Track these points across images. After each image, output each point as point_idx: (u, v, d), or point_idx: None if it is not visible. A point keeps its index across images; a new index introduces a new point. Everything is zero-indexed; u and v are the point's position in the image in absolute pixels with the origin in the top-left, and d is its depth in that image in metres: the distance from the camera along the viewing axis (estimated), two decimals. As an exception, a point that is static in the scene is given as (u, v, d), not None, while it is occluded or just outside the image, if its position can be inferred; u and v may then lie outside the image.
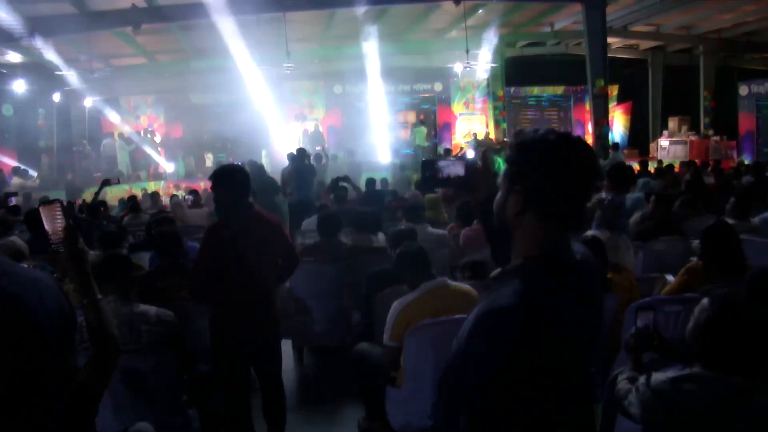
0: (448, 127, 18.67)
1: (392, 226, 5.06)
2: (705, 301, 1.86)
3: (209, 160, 17.28)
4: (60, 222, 1.62)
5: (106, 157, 17.04)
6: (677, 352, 2.24)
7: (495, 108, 17.85)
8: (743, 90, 17.63)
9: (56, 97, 16.62)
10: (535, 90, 20.06)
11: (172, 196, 11.03)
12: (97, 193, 7.71)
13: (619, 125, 19.87)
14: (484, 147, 14.26)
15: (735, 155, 16.79)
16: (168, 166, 17.31)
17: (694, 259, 3.32)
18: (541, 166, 1.21)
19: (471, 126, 18.11)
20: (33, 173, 15.29)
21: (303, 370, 4.68)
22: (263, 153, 16.70)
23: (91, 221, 6.62)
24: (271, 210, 6.73)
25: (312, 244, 4.90)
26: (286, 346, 4.41)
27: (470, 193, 1.52)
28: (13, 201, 9.03)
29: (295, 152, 9.90)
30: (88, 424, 1.47)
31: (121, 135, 17.29)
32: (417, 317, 2.93)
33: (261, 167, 8.99)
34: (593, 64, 13.13)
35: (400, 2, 13.31)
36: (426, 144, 17.63)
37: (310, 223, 6.57)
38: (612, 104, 18.15)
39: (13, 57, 15.08)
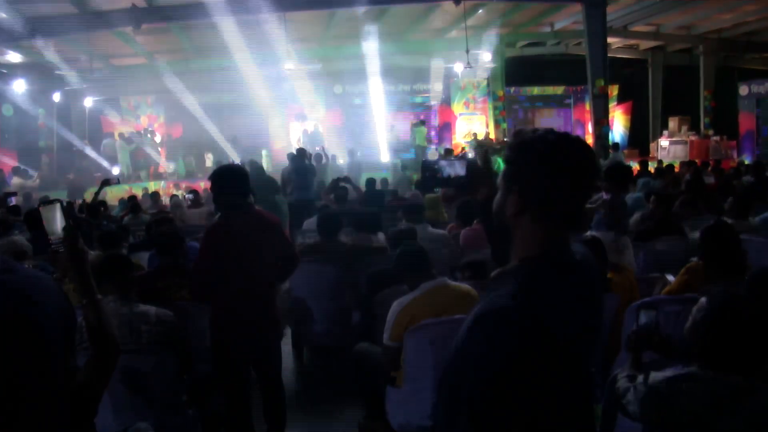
0: (448, 127, 18.67)
1: (392, 226, 5.06)
2: (703, 299, 1.86)
3: (209, 160, 17.28)
4: (60, 222, 1.62)
5: (106, 157, 17.06)
6: (678, 352, 2.24)
7: (495, 108, 17.86)
8: (743, 90, 17.64)
9: (56, 97, 16.63)
10: (535, 90, 20.07)
11: (172, 196, 11.02)
12: (97, 193, 7.72)
13: (619, 125, 19.86)
14: (484, 147, 14.26)
15: (735, 155, 16.79)
16: (168, 166, 17.32)
17: (695, 259, 3.31)
18: (540, 167, 1.21)
19: (471, 126, 18.10)
20: (33, 173, 15.30)
21: (303, 370, 4.68)
22: (263, 153, 16.71)
23: (91, 221, 6.62)
24: (271, 210, 6.73)
25: (312, 243, 4.89)
26: (286, 346, 4.41)
27: (470, 193, 1.52)
28: (13, 201, 9.02)
29: (295, 152, 9.91)
30: (88, 424, 1.47)
31: (121, 135, 17.30)
32: (417, 317, 2.93)
33: (261, 167, 9.00)
34: (593, 64, 13.13)
35: (400, 2, 13.32)
36: (426, 144, 17.63)
37: (310, 223, 6.56)
38: (612, 104, 18.14)
39: (13, 57, 15.09)
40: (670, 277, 3.56)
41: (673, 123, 17.43)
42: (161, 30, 13.78)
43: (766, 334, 1.74)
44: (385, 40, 14.60)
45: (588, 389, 1.39)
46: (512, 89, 18.98)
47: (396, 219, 5.81)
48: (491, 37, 15.56)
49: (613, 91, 18.76)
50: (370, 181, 8.90)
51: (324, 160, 12.29)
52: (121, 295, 2.85)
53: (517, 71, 18.03)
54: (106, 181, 7.84)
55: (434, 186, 1.56)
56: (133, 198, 9.41)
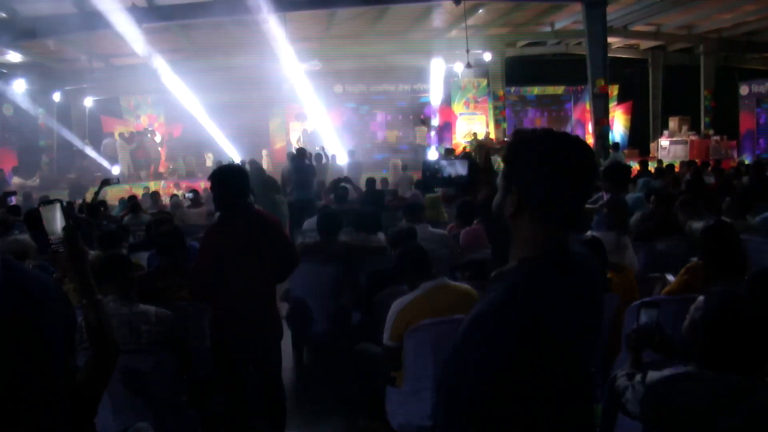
0: (448, 127, 18.66)
1: (392, 226, 5.06)
2: (701, 298, 1.85)
3: (209, 160, 17.29)
4: (60, 222, 1.62)
5: (106, 156, 17.07)
6: (678, 351, 2.24)
7: (495, 108, 17.84)
8: (744, 90, 17.64)
9: (56, 96, 16.63)
10: (535, 90, 20.06)
11: (172, 196, 11.02)
12: (97, 193, 7.71)
13: (619, 125, 19.86)
14: (485, 147, 14.26)
15: (735, 155, 16.79)
16: (168, 166, 17.33)
17: (695, 259, 3.32)
18: (539, 167, 1.21)
19: (471, 126, 18.10)
20: (33, 173, 15.30)
21: (303, 370, 4.68)
22: (263, 153, 16.71)
23: (91, 221, 6.62)
24: (271, 210, 6.75)
25: (312, 243, 4.89)
26: (286, 346, 4.41)
27: (471, 193, 1.52)
28: (13, 201, 9.02)
29: (295, 152, 9.91)
30: (88, 424, 1.47)
31: (121, 135, 17.30)
32: (417, 317, 2.93)
33: (261, 167, 9.00)
34: (593, 64, 13.12)
35: (400, 2, 13.31)
36: (426, 144, 17.64)
37: (311, 223, 6.57)
38: (612, 104, 18.14)
39: (13, 57, 15.08)
40: (671, 277, 3.56)
41: (673, 123, 17.42)
42: (161, 30, 13.76)
43: (765, 334, 1.74)
44: (385, 39, 14.59)
45: (588, 389, 1.39)
46: (512, 89, 18.98)
47: (396, 219, 5.82)
48: (491, 36, 15.54)
49: (613, 90, 18.76)
50: (370, 181, 8.90)
51: (324, 160, 12.29)
52: (121, 295, 2.85)
53: (517, 71, 18.02)
54: (106, 181, 7.82)
55: (434, 186, 1.56)
56: (133, 198, 9.41)
